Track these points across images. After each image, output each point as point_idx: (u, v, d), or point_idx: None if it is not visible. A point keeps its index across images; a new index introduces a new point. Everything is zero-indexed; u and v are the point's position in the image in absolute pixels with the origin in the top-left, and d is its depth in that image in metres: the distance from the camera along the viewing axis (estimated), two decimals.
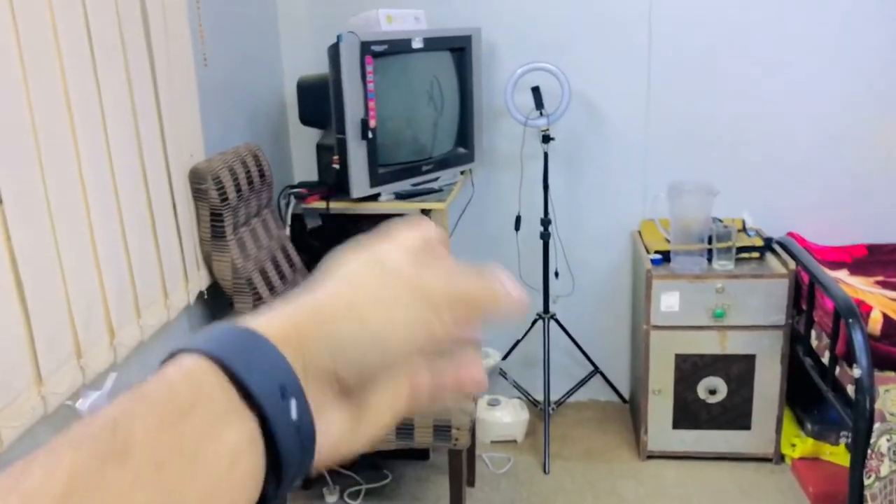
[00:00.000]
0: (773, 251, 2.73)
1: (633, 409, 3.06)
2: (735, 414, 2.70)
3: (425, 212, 2.58)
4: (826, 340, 2.34)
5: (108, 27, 1.68)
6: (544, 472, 2.75)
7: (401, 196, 2.58)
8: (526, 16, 2.85)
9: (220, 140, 2.29)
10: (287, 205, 2.64)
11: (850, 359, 2.13)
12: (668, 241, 2.74)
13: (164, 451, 0.30)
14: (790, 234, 2.88)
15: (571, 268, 3.03)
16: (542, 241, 2.86)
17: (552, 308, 2.96)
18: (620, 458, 2.81)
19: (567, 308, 3.06)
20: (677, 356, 2.68)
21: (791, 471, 2.67)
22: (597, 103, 2.91)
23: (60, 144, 1.51)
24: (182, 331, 2.09)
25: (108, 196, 1.68)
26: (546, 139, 2.74)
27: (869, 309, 2.23)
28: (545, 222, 2.82)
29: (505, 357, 3.10)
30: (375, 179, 2.50)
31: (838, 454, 2.65)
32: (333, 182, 2.56)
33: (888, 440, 2.04)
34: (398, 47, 2.47)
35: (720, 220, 2.73)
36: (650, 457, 2.79)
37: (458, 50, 2.69)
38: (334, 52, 2.35)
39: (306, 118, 2.71)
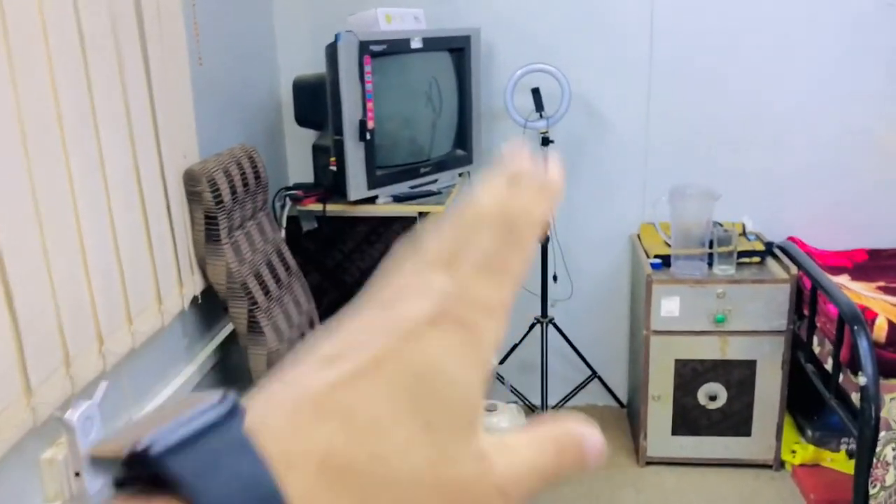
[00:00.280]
0: (774, 256, 2.70)
1: (631, 414, 3.03)
2: (735, 420, 2.67)
3: (423, 215, 2.54)
4: (829, 347, 2.31)
5: (100, 25, 1.63)
6: None
7: (399, 199, 2.54)
8: (525, 17, 2.81)
9: (215, 141, 2.24)
10: (282, 207, 2.59)
11: (855, 366, 2.10)
12: (668, 244, 2.71)
13: None
14: (790, 239, 2.86)
15: (570, 272, 3.00)
16: (540, 245, 2.82)
17: (550, 312, 2.93)
18: (619, 465, 2.78)
19: (565, 312, 3.03)
20: (677, 361, 2.65)
21: (791, 478, 2.64)
22: (597, 106, 2.88)
23: (49, 145, 1.46)
24: (176, 337, 2.04)
25: (99, 199, 1.63)
26: (546, 142, 2.70)
27: (874, 315, 2.20)
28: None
29: (502, 361, 3.06)
30: (373, 181, 2.45)
31: (839, 461, 2.62)
32: (330, 184, 2.52)
33: (894, 449, 2.01)
34: (397, 47, 2.43)
35: (720, 225, 2.70)
36: (649, 463, 2.76)
37: (457, 50, 2.65)
38: (332, 52, 2.30)
39: (302, 119, 2.66)
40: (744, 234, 2.78)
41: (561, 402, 3.10)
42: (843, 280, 2.59)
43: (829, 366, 2.30)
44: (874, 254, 2.80)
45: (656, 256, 2.67)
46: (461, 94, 2.69)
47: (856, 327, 2.04)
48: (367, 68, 2.34)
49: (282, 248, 2.37)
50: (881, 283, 2.56)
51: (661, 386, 2.67)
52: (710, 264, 2.62)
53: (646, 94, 2.85)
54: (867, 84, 2.77)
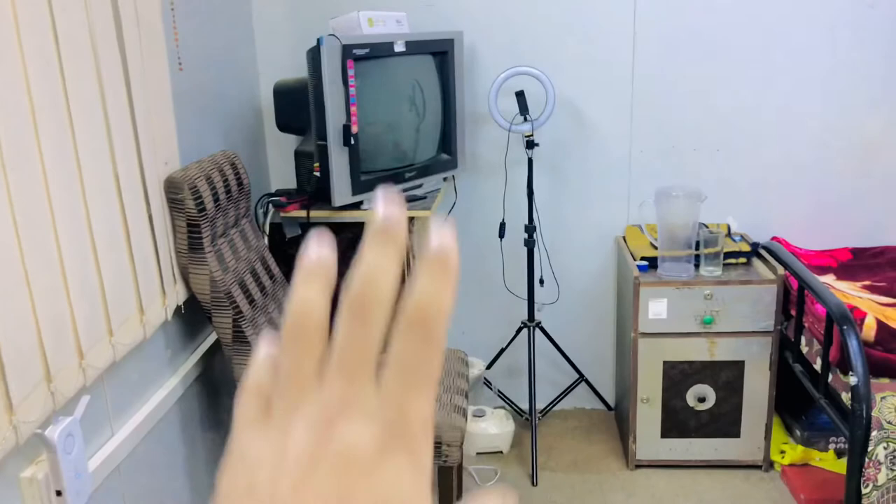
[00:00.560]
0: (760, 256, 2.70)
1: (619, 416, 3.02)
2: (724, 421, 2.66)
3: (409, 220, 2.51)
4: (817, 347, 2.31)
5: (76, 29, 1.59)
6: (532, 484, 2.69)
7: None
8: (508, 20, 2.79)
9: (196, 147, 2.20)
10: (265, 214, 2.55)
11: (844, 366, 2.10)
12: (654, 246, 2.70)
13: None
14: (775, 239, 2.86)
15: (556, 275, 2.98)
16: (526, 249, 2.80)
17: (537, 316, 2.91)
18: (609, 468, 2.76)
19: (552, 316, 3.01)
20: (665, 364, 2.64)
21: (781, 478, 2.64)
22: (581, 108, 2.86)
23: (24, 153, 1.41)
24: (158, 348, 1.99)
25: (77, 208, 1.58)
26: (530, 145, 2.69)
27: (862, 315, 2.21)
28: (530, 229, 2.76)
29: (489, 366, 3.04)
30: (358, 187, 2.42)
31: (828, 460, 2.63)
32: (313, 190, 2.48)
33: (885, 448, 2.01)
34: (380, 51, 2.40)
35: (706, 226, 2.70)
36: (639, 466, 2.74)
37: (441, 54, 2.62)
38: (314, 56, 2.27)
39: (283, 124, 2.62)
40: (729, 235, 2.78)
41: (548, 406, 3.08)
42: (828, 280, 2.60)
43: (818, 366, 2.30)
44: (858, 253, 2.81)
45: (643, 258, 2.66)
46: (445, 97, 2.66)
47: (845, 327, 2.04)
48: (351, 72, 2.30)
49: (265, 256, 2.33)
50: (866, 282, 2.57)
51: (649, 388, 2.66)
52: (697, 266, 2.61)
53: (630, 95, 2.84)
54: (849, 85, 2.78)
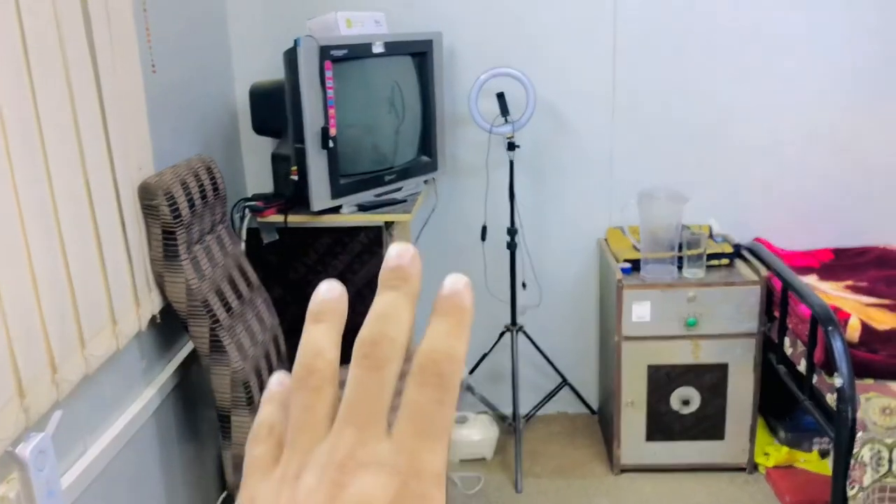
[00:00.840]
0: (743, 257, 2.69)
1: (602, 420, 3.00)
2: (709, 424, 2.65)
3: (389, 224, 2.47)
4: (801, 348, 2.30)
5: (44, 30, 1.53)
6: (516, 490, 2.66)
7: (364, 208, 2.46)
8: (487, 21, 2.76)
9: (170, 151, 2.14)
10: (241, 219, 2.49)
11: (829, 367, 2.09)
12: (637, 249, 2.68)
13: None
14: (757, 240, 2.86)
15: (538, 278, 2.95)
16: (508, 252, 2.77)
17: (520, 320, 2.88)
18: (594, 473, 2.74)
19: (534, 320, 2.98)
20: (650, 367, 2.62)
21: (766, 480, 2.63)
22: (562, 110, 2.84)
23: None
24: (133, 359, 1.93)
25: (47, 216, 1.52)
26: (511, 147, 2.66)
27: (846, 316, 2.20)
28: (512, 232, 2.73)
29: (471, 371, 3.00)
30: (337, 191, 2.37)
31: (812, 461, 2.62)
32: (291, 194, 2.43)
33: (870, 449, 2.00)
34: (358, 52, 2.35)
35: (688, 227, 2.69)
36: (624, 470, 2.72)
37: (420, 55, 2.58)
38: (291, 58, 2.22)
39: (260, 127, 2.57)
40: (711, 236, 2.77)
41: (532, 410, 3.06)
42: (811, 280, 2.60)
43: (802, 367, 2.30)
44: (840, 253, 2.81)
45: (626, 261, 2.64)
46: (424, 99, 2.63)
47: (830, 328, 2.03)
48: (329, 74, 2.26)
49: (242, 263, 2.28)
50: (849, 283, 2.57)
51: (633, 392, 2.64)
52: (680, 268, 2.60)
53: (610, 97, 2.83)
54: (831, 87, 2.79)
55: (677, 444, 2.68)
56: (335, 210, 2.42)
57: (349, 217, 2.43)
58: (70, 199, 1.60)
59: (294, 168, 2.36)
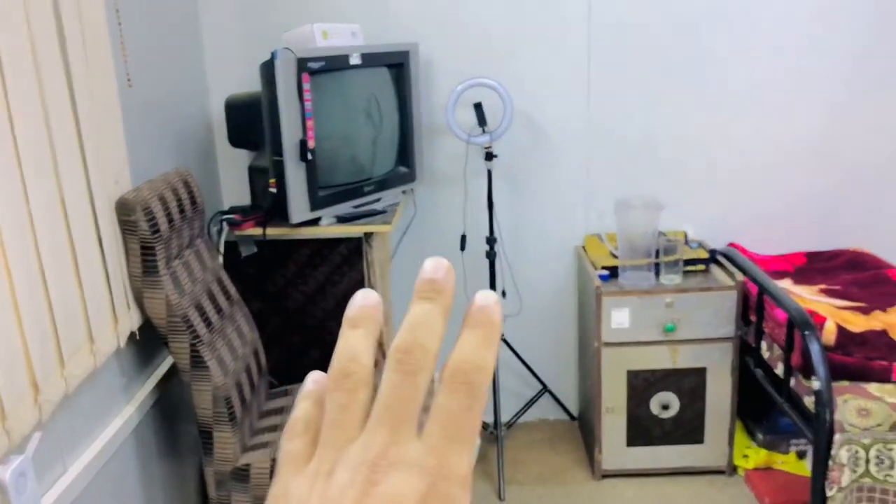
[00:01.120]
0: (718, 263, 2.73)
1: (583, 426, 3.01)
2: (688, 428, 2.68)
3: (368, 235, 2.47)
4: (778, 352, 2.33)
5: (18, 44, 1.51)
6: (499, 498, 2.66)
7: (343, 219, 2.46)
8: (463, 32, 2.78)
9: (147, 165, 2.12)
10: (219, 232, 2.48)
11: (806, 370, 2.13)
12: (614, 255, 2.71)
13: None
14: (731, 245, 2.90)
15: (518, 286, 2.97)
16: (487, 261, 2.78)
17: None
18: (575, 479, 2.75)
19: (514, 328, 2.99)
20: (629, 373, 2.64)
21: (745, 482, 2.66)
22: (538, 120, 2.86)
23: None
24: (112, 377, 1.91)
25: (24, 233, 1.50)
26: (489, 156, 2.67)
27: (822, 320, 2.24)
28: (490, 241, 2.74)
29: None
30: (315, 203, 2.37)
31: (790, 463, 2.66)
32: (269, 206, 2.41)
33: (848, 450, 2.03)
34: (335, 64, 2.35)
35: (664, 234, 2.72)
36: (605, 476, 2.74)
37: (397, 66, 2.59)
38: (268, 70, 2.21)
39: (236, 139, 2.55)
40: (686, 242, 2.80)
41: (513, 418, 3.06)
42: (785, 284, 2.64)
43: (779, 370, 2.33)
44: (813, 257, 2.86)
45: (604, 268, 2.66)
46: (402, 110, 2.63)
47: (807, 332, 2.07)
48: (306, 86, 2.25)
49: (221, 276, 2.26)
50: (823, 286, 2.61)
51: (614, 398, 2.66)
52: (657, 274, 2.62)
53: (585, 107, 2.85)
54: (802, 93, 2.84)
55: (658, 449, 2.70)
56: (314, 222, 2.41)
57: (328, 229, 2.42)
58: (46, 216, 1.58)
59: (272, 180, 2.34)
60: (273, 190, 2.36)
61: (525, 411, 3.07)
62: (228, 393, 1.99)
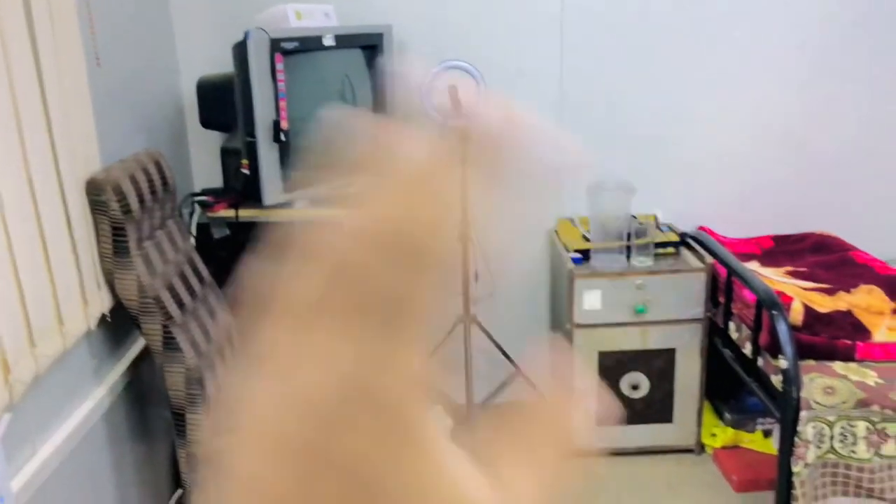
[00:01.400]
0: (688, 246, 2.76)
1: None
2: (657, 408, 2.72)
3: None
4: (746, 332, 2.38)
5: None
6: None
7: (317, 202, 2.44)
8: (437, 15, 2.77)
9: (116, 146, 2.09)
10: (191, 214, 2.45)
11: (774, 349, 2.17)
12: (586, 239, 2.73)
13: None
14: (701, 229, 2.94)
15: (491, 269, 2.98)
16: (460, 244, 2.78)
17: (473, 310, 2.90)
18: None
19: (487, 310, 3.00)
20: (600, 353, 2.67)
21: (713, 460, 2.72)
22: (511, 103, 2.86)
23: None
24: (82, 359, 1.89)
25: None
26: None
27: (789, 300, 2.28)
28: (464, 224, 2.74)
29: None
30: (289, 185, 2.35)
31: (756, 441, 2.72)
32: (242, 188, 2.40)
33: (814, 427, 2.08)
34: (309, 45, 2.34)
35: (635, 218, 2.74)
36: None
37: (370, 48, 2.58)
38: (241, 50, 2.19)
39: (208, 121, 2.53)
40: (657, 225, 2.83)
41: (486, 400, 3.08)
42: (753, 266, 2.68)
43: (747, 350, 2.37)
44: (780, 240, 2.91)
45: (576, 251, 2.68)
46: (375, 92, 2.62)
47: (774, 312, 2.11)
48: (279, 66, 2.24)
49: (194, 258, 2.24)
50: (789, 268, 2.66)
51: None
52: (628, 257, 2.65)
53: (558, 89, 2.86)
54: (770, 79, 2.88)
55: (628, 428, 2.74)
56: (288, 205, 2.40)
57: (302, 212, 2.41)
58: (13, 195, 1.56)
59: (245, 162, 2.33)
60: (246, 171, 2.34)
61: (498, 393, 3.09)
62: (201, 375, 1.98)
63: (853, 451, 2.10)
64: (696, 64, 2.85)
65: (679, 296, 2.60)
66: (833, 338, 2.21)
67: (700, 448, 2.76)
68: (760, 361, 2.29)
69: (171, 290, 2.00)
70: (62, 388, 1.79)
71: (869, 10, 2.84)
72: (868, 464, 2.10)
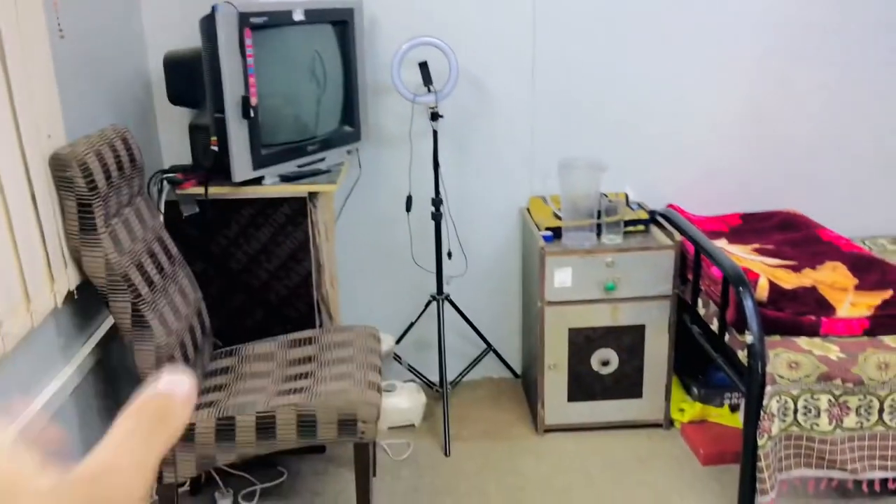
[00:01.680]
0: (658, 223, 2.79)
1: (526, 384, 3.07)
2: (627, 383, 2.76)
3: (313, 195, 2.45)
4: (714, 308, 2.41)
5: None
6: (445, 454, 2.71)
7: (287, 178, 2.43)
8: None
9: (82, 121, 2.05)
10: (160, 191, 2.42)
11: (741, 325, 2.21)
12: (557, 217, 2.75)
13: None
14: (670, 206, 2.97)
15: (463, 247, 2.99)
16: (433, 222, 2.79)
17: (445, 289, 2.91)
18: (519, 435, 2.81)
19: (460, 288, 3.02)
20: (571, 330, 2.70)
21: (681, 434, 2.77)
22: (483, 81, 2.86)
23: None
24: (49, 337, 1.87)
25: None
26: (435, 117, 2.66)
27: (756, 276, 2.32)
28: (436, 202, 2.75)
29: (398, 341, 3.02)
30: (258, 161, 2.33)
31: (724, 415, 2.77)
32: (211, 165, 2.37)
33: (778, 401, 2.13)
34: (278, 19, 2.31)
35: (606, 196, 2.76)
36: (547, 430, 2.81)
37: (341, 23, 2.55)
38: (209, 24, 2.15)
39: (176, 97, 2.49)
40: (627, 203, 2.85)
41: (458, 377, 3.11)
42: (721, 244, 2.72)
43: (714, 326, 2.41)
44: (747, 218, 2.95)
45: (548, 229, 2.70)
46: (346, 68, 2.60)
47: (741, 288, 2.14)
48: (248, 41, 2.21)
49: (163, 236, 2.22)
50: (756, 245, 2.70)
51: (556, 355, 2.72)
52: (599, 234, 2.67)
53: (530, 68, 2.86)
54: (738, 56, 2.90)
55: (598, 404, 2.78)
56: (257, 181, 2.38)
57: (272, 188, 2.39)
58: None
59: (214, 138, 2.30)
60: (215, 148, 2.31)
61: (470, 370, 3.11)
62: (172, 352, 1.97)
63: (816, 424, 2.15)
64: (666, 45, 2.87)
65: (648, 273, 2.63)
66: (798, 314, 2.25)
67: (668, 423, 2.81)
68: (727, 337, 2.33)
69: (140, 268, 1.98)
70: (29, 367, 1.76)
71: None
72: (830, 436, 2.15)
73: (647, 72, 2.89)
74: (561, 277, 2.64)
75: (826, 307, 2.27)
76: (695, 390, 2.83)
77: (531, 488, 2.51)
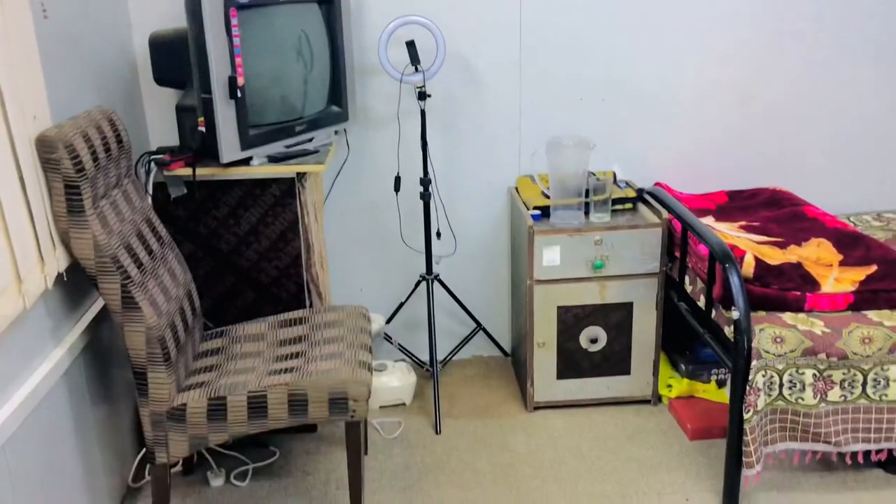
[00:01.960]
0: (645, 202, 2.81)
1: (516, 362, 3.10)
2: (615, 360, 2.79)
3: (301, 175, 2.45)
4: (701, 285, 2.44)
5: None
6: (436, 432, 2.73)
7: (274, 159, 2.42)
8: None
9: (67, 102, 2.04)
10: (147, 173, 2.41)
11: (727, 302, 2.23)
12: (546, 195, 2.76)
13: None
14: (658, 185, 2.98)
15: (452, 227, 3.00)
16: (422, 202, 2.79)
17: (435, 269, 2.92)
18: (509, 412, 2.84)
19: (449, 267, 3.03)
20: (559, 308, 2.72)
21: (669, 410, 2.80)
22: (471, 60, 2.86)
23: None
24: (39, 319, 1.87)
25: None
26: (422, 96, 2.66)
27: (742, 253, 2.34)
28: (425, 182, 2.75)
29: (389, 321, 3.04)
30: (246, 142, 2.33)
31: (710, 391, 2.80)
32: (199, 146, 2.36)
33: (763, 375, 2.16)
34: None
35: (593, 174, 2.77)
36: (537, 408, 2.84)
37: (326, 3, 2.54)
38: (194, 5, 2.14)
39: (162, 78, 2.47)
40: (615, 182, 2.87)
41: (448, 356, 3.13)
42: (708, 221, 2.74)
43: (701, 303, 2.44)
44: (734, 195, 2.97)
45: (536, 208, 2.71)
46: (333, 48, 2.59)
47: (727, 265, 2.16)
48: (234, 21, 2.19)
49: (151, 218, 2.21)
50: (742, 223, 2.73)
51: (545, 333, 2.74)
52: (587, 213, 2.69)
53: (518, 47, 2.86)
54: (725, 35, 2.90)
55: (586, 381, 2.81)
56: (245, 162, 2.37)
57: (260, 169, 2.39)
58: None
59: (201, 119, 2.29)
60: (202, 129, 2.31)
61: (460, 349, 3.14)
62: (162, 333, 1.98)
63: (801, 398, 2.18)
64: (651, 23, 2.87)
65: (636, 251, 2.65)
66: (783, 289, 2.28)
67: (656, 399, 2.84)
68: (714, 313, 2.36)
69: (129, 249, 1.98)
70: (19, 349, 1.77)
71: None
72: (815, 410, 2.18)
73: (635, 51, 2.90)
74: (549, 256, 2.65)
75: (811, 283, 2.29)
76: (682, 366, 2.86)
77: (521, 464, 2.54)
